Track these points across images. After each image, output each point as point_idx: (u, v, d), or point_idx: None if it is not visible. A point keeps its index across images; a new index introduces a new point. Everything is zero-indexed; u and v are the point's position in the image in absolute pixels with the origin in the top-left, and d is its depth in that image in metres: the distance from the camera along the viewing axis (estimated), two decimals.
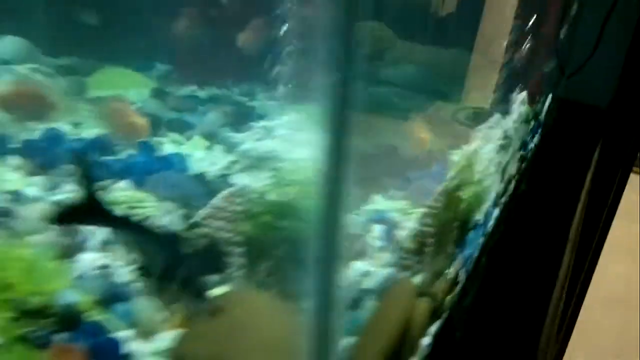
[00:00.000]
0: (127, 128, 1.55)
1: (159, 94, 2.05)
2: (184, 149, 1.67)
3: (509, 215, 1.47)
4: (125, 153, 1.56)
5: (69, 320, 0.93)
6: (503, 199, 1.52)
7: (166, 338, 0.94)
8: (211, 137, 1.77)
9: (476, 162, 1.28)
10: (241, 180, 1.27)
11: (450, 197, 1.14)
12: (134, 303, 1.00)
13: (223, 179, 1.32)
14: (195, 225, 1.05)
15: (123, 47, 2.11)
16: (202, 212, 1.06)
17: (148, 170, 1.42)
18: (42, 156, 1.44)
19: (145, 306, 1.00)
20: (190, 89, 2.23)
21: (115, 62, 2.09)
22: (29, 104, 1.63)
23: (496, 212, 1.45)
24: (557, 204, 1.71)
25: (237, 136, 1.55)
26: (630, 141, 1.81)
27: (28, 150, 1.45)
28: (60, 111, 1.65)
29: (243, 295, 1.00)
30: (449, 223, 1.15)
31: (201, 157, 1.63)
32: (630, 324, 2.31)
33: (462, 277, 1.15)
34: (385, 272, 1.11)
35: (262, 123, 1.41)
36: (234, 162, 1.33)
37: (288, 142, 1.31)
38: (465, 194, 1.19)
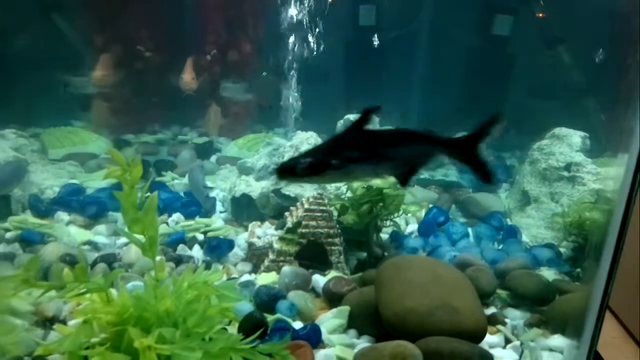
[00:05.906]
0: None
1: (122, 143, 2.09)
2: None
3: None
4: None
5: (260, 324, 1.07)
6: None
7: (329, 317, 1.15)
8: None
9: None
10: (293, 190, 1.51)
11: None
12: (290, 297, 1.20)
13: (277, 191, 1.53)
14: (299, 225, 1.28)
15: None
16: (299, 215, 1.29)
17: (185, 203, 1.57)
18: (84, 208, 1.59)
19: (299, 297, 1.21)
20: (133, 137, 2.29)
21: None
22: None
23: None
24: None
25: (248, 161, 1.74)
26: None
27: (73, 204, 1.61)
28: None
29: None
30: None
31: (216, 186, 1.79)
32: None
33: None
34: None
35: (288, 143, 1.64)
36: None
37: None
38: None
